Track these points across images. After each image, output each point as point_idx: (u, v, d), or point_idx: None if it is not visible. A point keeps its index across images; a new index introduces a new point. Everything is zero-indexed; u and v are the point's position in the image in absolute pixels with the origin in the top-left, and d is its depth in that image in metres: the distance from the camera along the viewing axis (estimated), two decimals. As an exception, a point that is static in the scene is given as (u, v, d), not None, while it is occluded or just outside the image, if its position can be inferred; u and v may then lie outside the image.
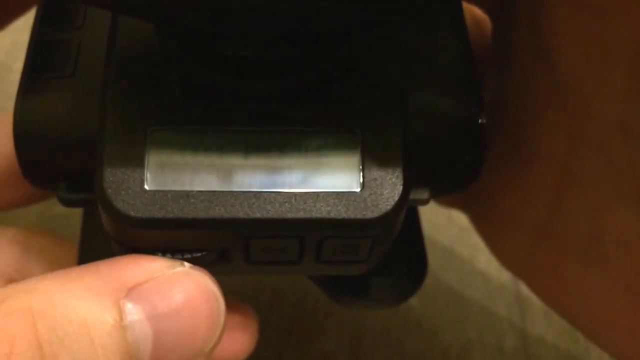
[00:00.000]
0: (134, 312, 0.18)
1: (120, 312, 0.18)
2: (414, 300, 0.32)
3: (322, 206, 0.20)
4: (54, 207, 0.21)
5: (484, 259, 0.34)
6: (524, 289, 0.33)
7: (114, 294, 0.18)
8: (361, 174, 0.20)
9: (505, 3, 0.23)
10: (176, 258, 0.20)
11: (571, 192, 0.22)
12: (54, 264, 0.24)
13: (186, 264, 0.20)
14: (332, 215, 0.19)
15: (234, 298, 0.24)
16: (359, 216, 0.20)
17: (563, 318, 0.26)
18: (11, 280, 0.24)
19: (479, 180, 0.22)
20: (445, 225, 0.35)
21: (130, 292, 0.18)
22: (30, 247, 0.25)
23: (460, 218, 0.31)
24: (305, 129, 0.20)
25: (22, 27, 0.22)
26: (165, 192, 0.19)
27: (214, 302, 0.20)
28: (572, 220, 0.23)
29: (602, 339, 0.24)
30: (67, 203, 0.21)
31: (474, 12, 0.25)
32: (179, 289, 0.19)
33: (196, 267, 0.20)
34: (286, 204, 0.20)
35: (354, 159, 0.20)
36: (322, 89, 0.20)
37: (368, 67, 0.21)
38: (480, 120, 0.21)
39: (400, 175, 0.20)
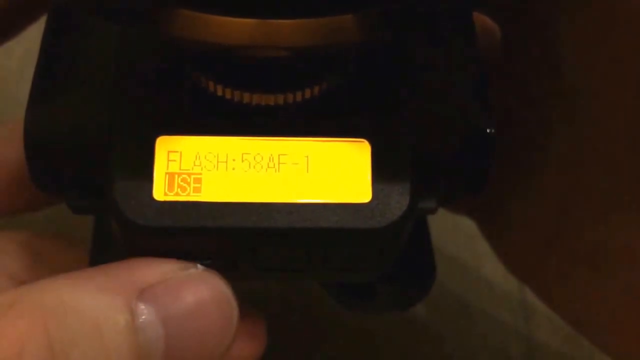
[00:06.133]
0: (146, 313, 0.18)
1: (132, 313, 0.18)
2: (419, 307, 0.32)
3: (330, 216, 0.20)
4: (64, 212, 0.22)
5: (490, 266, 0.34)
6: (529, 296, 0.33)
7: (126, 294, 0.18)
8: (370, 184, 0.20)
9: (516, 13, 0.23)
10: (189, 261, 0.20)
11: (578, 200, 0.23)
12: (65, 269, 0.24)
13: (199, 265, 0.20)
14: (340, 225, 0.20)
15: (242, 303, 0.24)
16: (367, 226, 0.20)
17: (568, 324, 0.26)
18: (22, 284, 0.24)
19: (487, 188, 0.22)
20: (451, 233, 0.35)
21: (143, 293, 0.19)
22: (41, 251, 0.25)
23: (466, 226, 0.31)
24: (314, 139, 0.20)
25: (35, 35, 0.22)
26: (174, 202, 0.19)
27: (226, 305, 0.20)
28: (579, 228, 0.23)
29: (608, 345, 0.24)
30: (77, 210, 0.21)
31: (484, 21, 0.25)
32: (192, 291, 0.19)
33: (209, 269, 0.20)
34: (294, 214, 0.20)
35: (363, 169, 0.20)
36: (332, 99, 0.20)
37: (377, 76, 0.21)
38: (489, 130, 0.21)
39: (409, 185, 0.20)
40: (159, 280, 0.19)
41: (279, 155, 0.20)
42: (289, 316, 0.32)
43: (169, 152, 0.20)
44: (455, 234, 0.35)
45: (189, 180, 0.20)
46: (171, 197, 0.19)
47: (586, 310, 0.24)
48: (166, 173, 0.20)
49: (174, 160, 0.20)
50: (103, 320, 0.18)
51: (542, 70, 0.22)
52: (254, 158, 0.20)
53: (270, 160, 0.20)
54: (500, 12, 0.24)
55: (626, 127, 0.20)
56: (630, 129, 0.20)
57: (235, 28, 0.17)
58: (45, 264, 0.25)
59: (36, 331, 0.17)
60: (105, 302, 0.18)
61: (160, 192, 0.19)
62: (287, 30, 0.17)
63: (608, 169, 0.21)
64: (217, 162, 0.20)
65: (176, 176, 0.20)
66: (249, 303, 0.24)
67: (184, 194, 0.20)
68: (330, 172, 0.20)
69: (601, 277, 0.23)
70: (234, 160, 0.20)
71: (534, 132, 0.23)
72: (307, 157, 0.20)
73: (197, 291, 0.19)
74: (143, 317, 0.18)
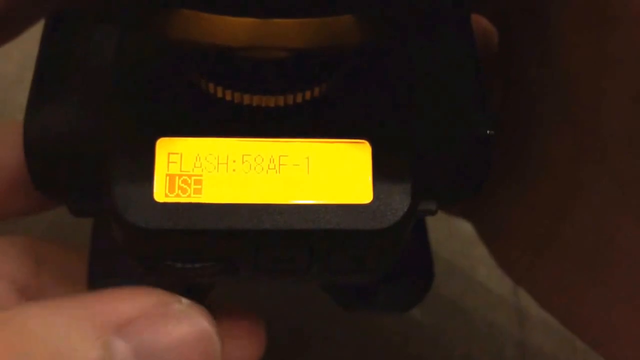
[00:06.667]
0: (121, 350, 0.18)
1: (107, 350, 0.17)
2: (415, 311, 0.32)
3: (331, 217, 0.20)
4: (65, 216, 0.22)
5: (484, 271, 0.35)
6: (524, 300, 0.34)
7: (101, 330, 0.18)
8: (371, 185, 0.20)
9: (513, 14, 0.24)
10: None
11: (577, 203, 0.23)
12: (66, 273, 0.24)
13: (184, 300, 0.19)
14: (341, 226, 0.20)
15: (241, 306, 0.24)
16: (368, 227, 0.20)
17: (565, 327, 0.26)
18: (22, 288, 0.24)
19: (485, 190, 0.22)
20: (447, 237, 0.35)
21: (120, 328, 0.18)
22: (43, 256, 0.25)
23: (462, 230, 0.31)
24: (315, 140, 0.20)
25: (34, 39, 0.22)
26: (174, 203, 0.19)
27: (208, 343, 0.19)
28: (578, 231, 0.23)
29: (605, 348, 0.24)
30: (77, 213, 0.21)
31: (481, 23, 0.25)
32: (172, 328, 0.18)
33: (194, 304, 0.19)
34: (295, 215, 0.20)
35: (364, 170, 0.20)
36: (332, 100, 0.21)
37: (377, 79, 0.21)
38: (487, 132, 0.21)
39: (409, 187, 0.20)
40: (139, 314, 0.18)
41: (279, 157, 0.20)
42: (288, 316, 0.32)
43: (169, 153, 0.20)
44: (451, 238, 0.35)
45: (189, 181, 0.20)
46: (172, 199, 0.19)
47: (583, 313, 0.24)
48: (167, 175, 0.20)
49: (175, 162, 0.20)
50: (73, 355, 0.17)
51: (541, 71, 0.22)
52: (255, 159, 0.20)
53: (270, 162, 0.20)
54: (498, 14, 0.25)
55: (626, 128, 0.20)
56: (630, 130, 0.20)
57: (236, 29, 0.17)
58: (47, 270, 0.25)
59: None
60: (78, 338, 0.17)
61: (160, 193, 0.19)
62: (288, 31, 0.17)
63: (607, 170, 0.21)
64: (218, 163, 0.20)
65: (177, 178, 0.20)
66: (247, 304, 0.24)
67: (185, 195, 0.20)
68: (331, 173, 0.20)
69: (599, 280, 0.23)
70: (234, 161, 0.20)
71: (533, 132, 0.23)
72: (308, 158, 0.20)
73: (178, 329, 0.18)
74: (118, 354, 0.17)
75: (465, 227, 0.29)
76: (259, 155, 0.20)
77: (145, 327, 0.18)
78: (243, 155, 0.20)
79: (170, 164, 0.20)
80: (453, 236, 0.35)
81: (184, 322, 0.19)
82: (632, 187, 0.21)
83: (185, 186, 0.20)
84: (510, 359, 0.33)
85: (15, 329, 0.17)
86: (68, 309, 0.18)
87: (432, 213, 0.22)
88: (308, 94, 0.20)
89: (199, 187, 0.20)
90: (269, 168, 0.20)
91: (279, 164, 0.20)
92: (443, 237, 0.35)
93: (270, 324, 0.25)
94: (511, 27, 0.24)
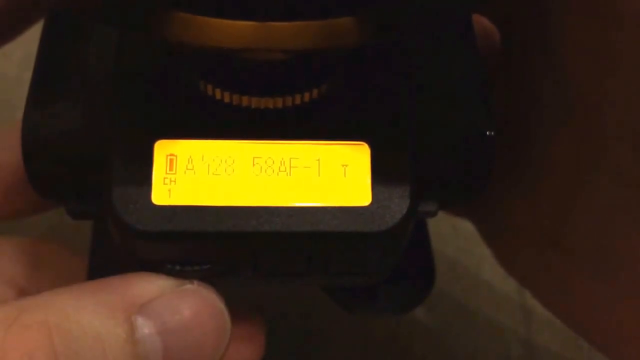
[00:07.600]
0: (145, 327, 0.19)
1: (132, 327, 0.19)
2: (419, 310, 0.32)
3: (330, 219, 0.19)
4: (64, 217, 0.22)
5: (489, 269, 0.34)
6: (529, 298, 0.33)
7: (126, 309, 0.19)
8: (370, 187, 0.20)
9: (515, 15, 0.23)
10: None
11: (579, 203, 0.22)
12: (64, 274, 0.25)
13: (194, 281, 0.20)
14: (341, 228, 0.19)
15: (241, 307, 0.24)
16: (367, 229, 0.19)
17: (569, 327, 0.26)
18: (21, 289, 0.24)
19: (487, 191, 0.22)
20: (450, 236, 0.35)
21: (142, 308, 0.19)
22: (41, 257, 0.25)
23: (465, 228, 0.31)
24: (314, 142, 0.20)
25: (34, 40, 0.22)
26: (172, 206, 0.19)
27: (219, 317, 0.20)
28: (581, 232, 0.23)
29: (609, 348, 0.24)
30: (76, 216, 0.21)
31: (483, 23, 0.25)
32: (187, 305, 0.20)
33: (203, 284, 0.20)
34: (294, 217, 0.19)
35: (363, 172, 0.20)
36: (331, 102, 0.20)
37: (376, 79, 0.21)
38: (489, 133, 0.21)
39: (408, 188, 0.20)
40: (157, 295, 0.20)
41: (279, 158, 0.20)
42: (289, 318, 0.32)
43: (167, 155, 0.20)
44: (454, 236, 0.35)
45: (187, 183, 0.20)
46: (170, 201, 0.19)
47: (587, 314, 0.24)
48: (165, 177, 0.20)
49: (172, 164, 0.20)
50: (105, 334, 0.19)
51: (543, 71, 0.22)
52: (254, 160, 0.20)
53: (270, 163, 0.20)
54: (499, 13, 0.24)
55: (629, 128, 0.20)
56: (634, 129, 0.20)
57: (234, 31, 0.17)
58: (44, 270, 0.25)
59: (43, 345, 0.18)
60: (106, 316, 0.19)
61: (159, 196, 0.19)
62: (286, 34, 0.17)
63: (610, 169, 0.21)
64: (215, 165, 0.20)
65: (175, 180, 0.20)
66: (248, 305, 0.24)
67: (183, 197, 0.19)
68: (329, 175, 0.20)
69: (603, 281, 0.23)
70: (232, 163, 0.20)
71: (535, 133, 0.23)
72: (307, 159, 0.20)
73: (192, 305, 0.20)
74: (142, 330, 0.19)
75: (470, 225, 0.29)
76: (257, 157, 0.20)
77: (165, 305, 0.20)
78: (241, 157, 0.20)
79: (168, 166, 0.20)
80: (458, 233, 0.35)
81: (199, 299, 0.20)
82: (635, 187, 0.21)
83: (182, 188, 0.20)
84: (517, 358, 0.33)
85: (54, 312, 0.18)
86: (95, 294, 0.19)
87: (433, 214, 0.22)
88: (307, 96, 0.20)
89: (196, 189, 0.20)
90: (267, 170, 0.20)
91: (279, 166, 0.20)
92: (447, 234, 0.35)
93: (271, 324, 0.25)
94: (513, 27, 0.24)
